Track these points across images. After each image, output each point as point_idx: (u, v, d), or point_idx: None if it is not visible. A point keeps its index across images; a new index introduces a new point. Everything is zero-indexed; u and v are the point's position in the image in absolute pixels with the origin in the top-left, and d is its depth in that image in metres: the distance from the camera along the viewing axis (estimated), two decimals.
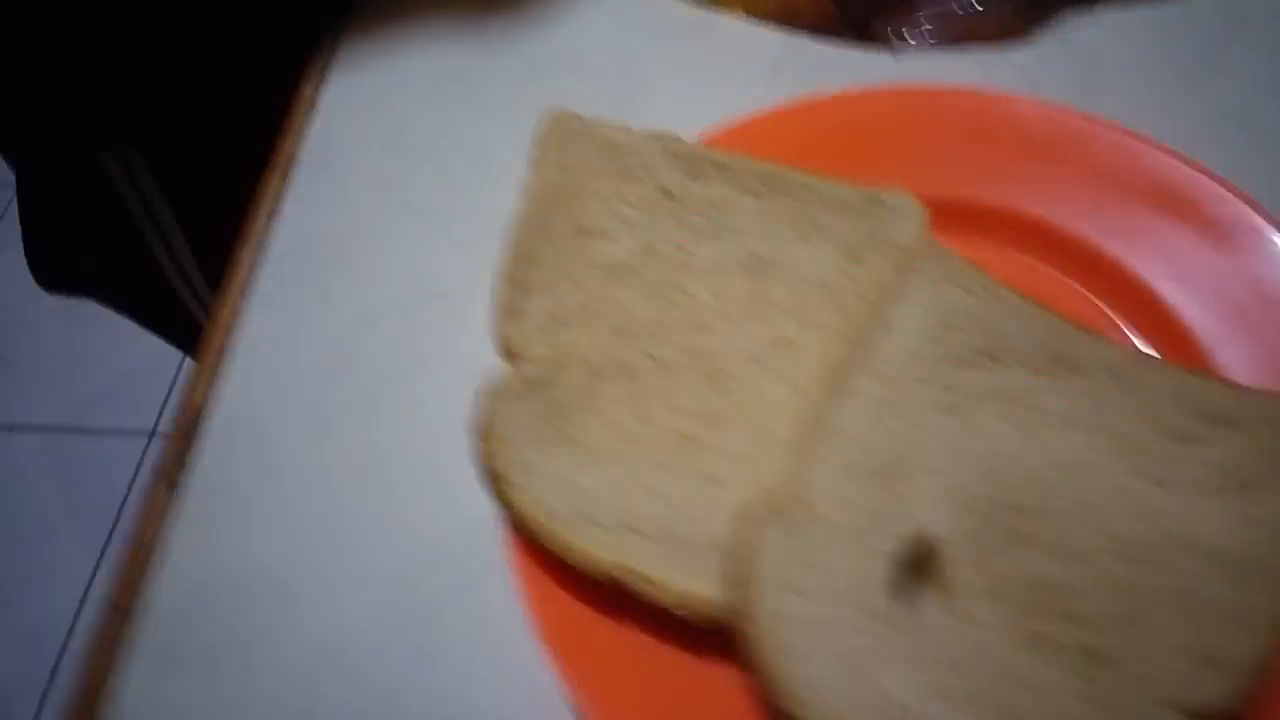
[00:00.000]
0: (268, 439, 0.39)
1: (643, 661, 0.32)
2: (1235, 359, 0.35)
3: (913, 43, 0.46)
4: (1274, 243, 0.36)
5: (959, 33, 0.45)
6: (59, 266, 0.65)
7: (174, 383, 1.40)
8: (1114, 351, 0.34)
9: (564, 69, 0.49)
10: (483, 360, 0.36)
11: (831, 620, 0.30)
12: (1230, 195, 0.37)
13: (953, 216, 0.38)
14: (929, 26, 0.45)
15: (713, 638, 0.32)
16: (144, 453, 1.36)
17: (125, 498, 1.32)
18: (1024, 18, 0.45)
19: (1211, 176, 0.37)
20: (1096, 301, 0.38)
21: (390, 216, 0.45)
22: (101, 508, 1.30)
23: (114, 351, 1.40)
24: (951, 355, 0.34)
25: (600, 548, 0.33)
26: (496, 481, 0.34)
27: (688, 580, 0.32)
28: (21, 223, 0.62)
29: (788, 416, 0.35)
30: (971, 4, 0.45)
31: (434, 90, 0.49)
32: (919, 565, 0.32)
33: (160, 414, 1.38)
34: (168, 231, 0.63)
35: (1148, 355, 0.35)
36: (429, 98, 0.48)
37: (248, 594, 0.36)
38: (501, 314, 0.37)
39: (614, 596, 0.33)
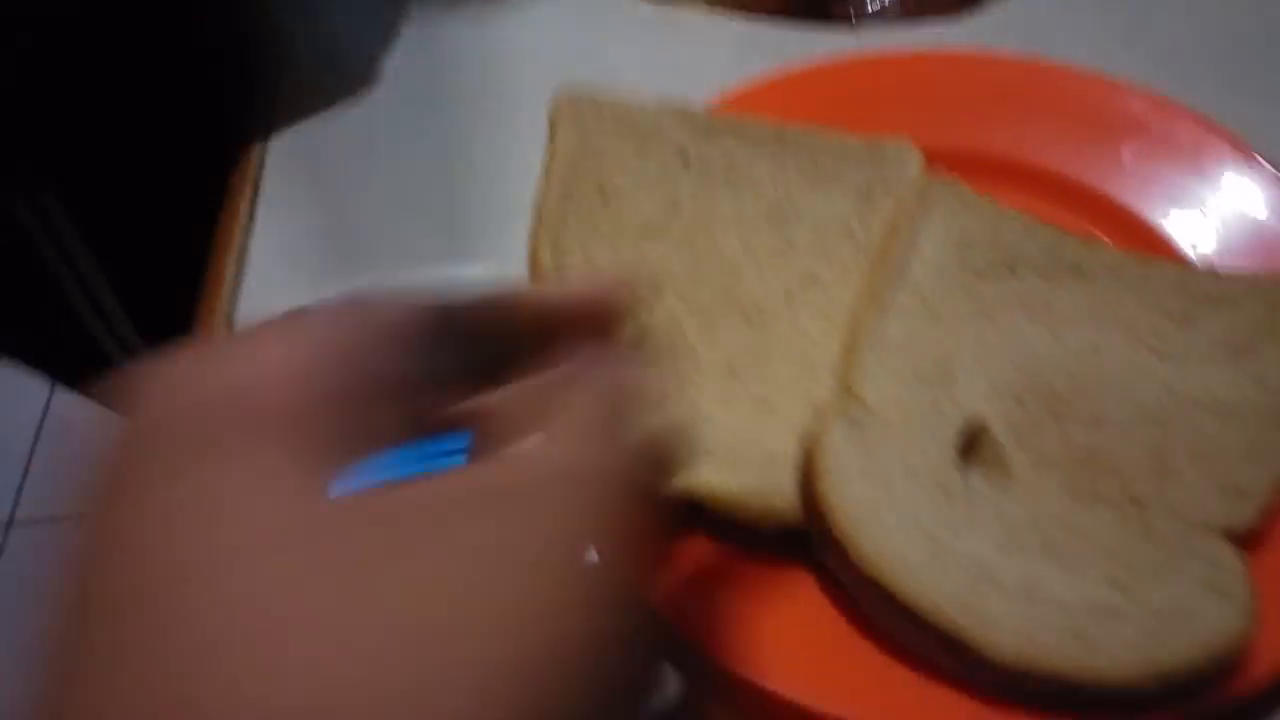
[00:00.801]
0: None
1: (716, 571, 0.35)
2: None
3: (870, 19, 0.48)
4: (1242, 163, 0.40)
5: (914, 7, 0.48)
6: None
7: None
8: (1113, 254, 0.38)
9: (529, 67, 0.49)
10: None
11: (900, 499, 0.34)
12: (1201, 126, 0.41)
13: (947, 163, 0.41)
14: (886, 2, 0.48)
15: (778, 544, 0.35)
16: None
17: None
18: None
19: (1180, 109, 0.41)
20: (1090, 229, 0.41)
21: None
22: None
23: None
24: (973, 269, 0.38)
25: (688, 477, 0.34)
26: None
27: (754, 491, 0.35)
28: None
29: (823, 343, 0.38)
30: None
31: (397, 100, 0.49)
32: (970, 448, 0.35)
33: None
34: (85, 273, 0.60)
35: (1141, 255, 0.39)
36: (386, 110, 0.48)
37: None
38: (538, 277, 0.39)
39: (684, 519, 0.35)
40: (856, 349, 0.37)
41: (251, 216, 0.46)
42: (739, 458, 0.35)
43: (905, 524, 0.33)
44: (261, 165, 0.48)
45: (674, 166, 0.41)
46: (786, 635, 0.33)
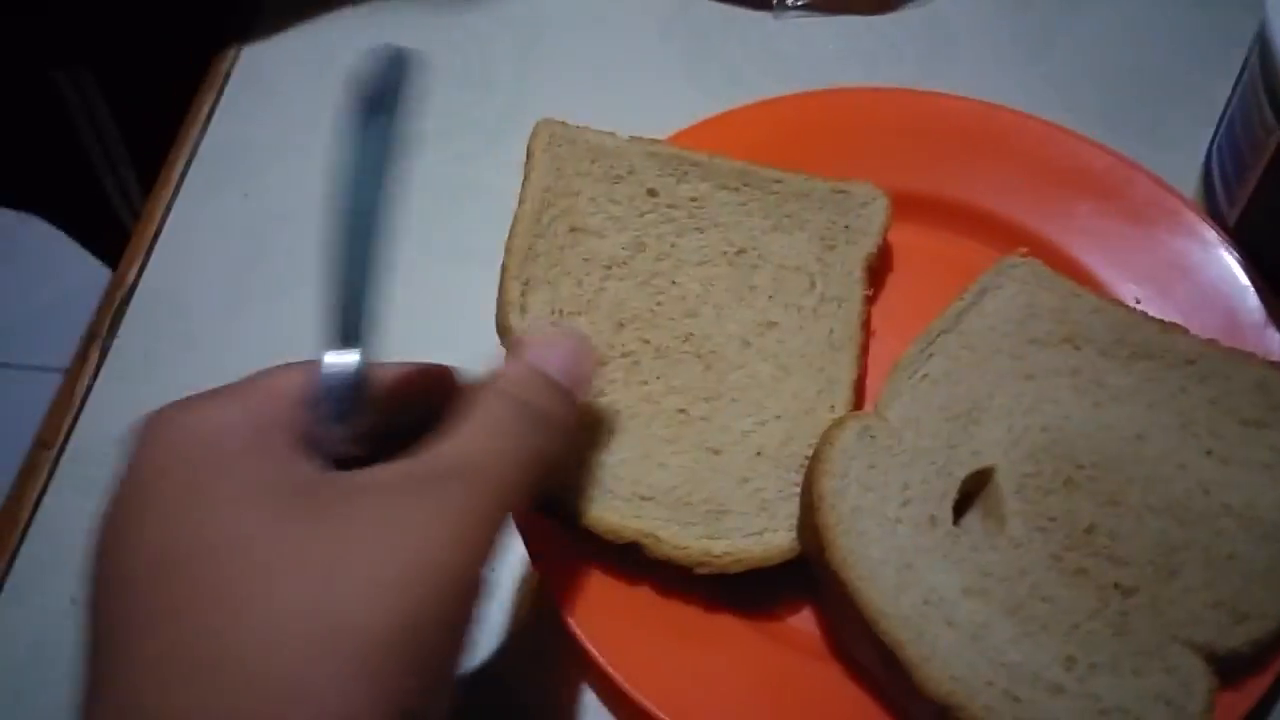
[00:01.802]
0: (188, 313, 0.45)
1: (654, 618, 0.36)
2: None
3: (791, 6, 0.50)
4: (1186, 216, 0.41)
5: (833, 2, 0.50)
6: None
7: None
8: (1193, 343, 0.37)
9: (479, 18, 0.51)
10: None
11: (888, 515, 0.35)
12: (1146, 176, 0.42)
13: (906, 205, 0.42)
14: None
15: (717, 589, 0.36)
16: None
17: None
18: None
19: (1128, 163, 0.42)
20: None
21: (314, 131, 0.47)
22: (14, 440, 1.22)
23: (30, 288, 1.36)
24: (1032, 337, 0.38)
25: (621, 517, 0.36)
26: None
27: (694, 538, 0.36)
28: None
29: (775, 392, 0.39)
30: None
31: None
32: (976, 492, 0.36)
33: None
34: (113, 152, 0.63)
35: (1229, 348, 0.37)
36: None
37: None
38: (509, 309, 0.39)
39: (626, 564, 0.36)
40: (893, 374, 0.37)
41: (209, 117, 0.50)
42: (681, 504, 0.36)
43: (885, 538, 0.34)
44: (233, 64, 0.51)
45: (642, 205, 0.42)
46: (710, 682, 0.35)
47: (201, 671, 0.24)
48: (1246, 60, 0.39)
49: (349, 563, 0.26)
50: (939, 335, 0.38)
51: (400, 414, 0.31)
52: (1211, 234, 0.40)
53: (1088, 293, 0.39)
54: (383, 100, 0.30)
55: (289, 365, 0.31)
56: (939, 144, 0.43)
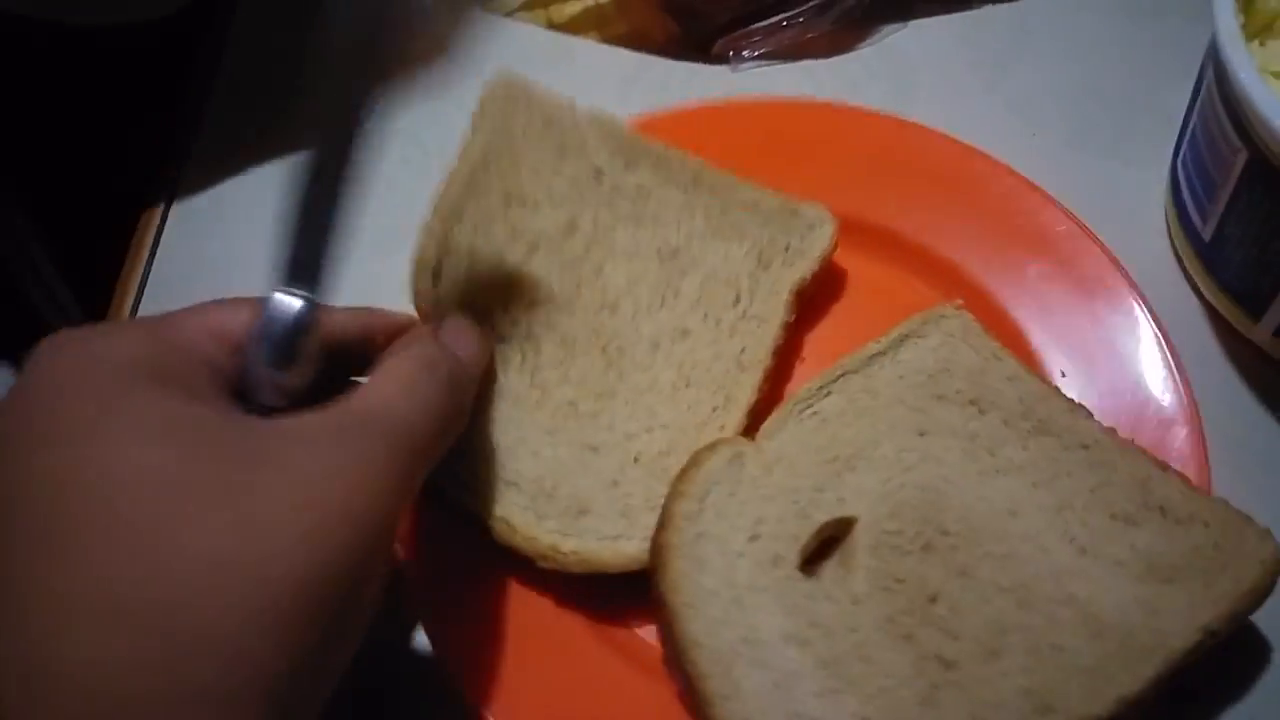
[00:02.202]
0: None
1: (502, 612, 0.36)
2: (1072, 396, 0.38)
3: (750, 58, 0.51)
4: (1128, 302, 0.40)
5: (791, 47, 0.50)
6: None
7: None
8: (1093, 430, 0.36)
9: (433, 95, 0.51)
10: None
11: (731, 547, 0.34)
12: (1101, 252, 0.41)
13: (857, 232, 0.41)
14: (764, 44, 0.50)
15: (565, 588, 0.36)
16: None
17: None
18: (847, 32, 0.50)
19: (1088, 233, 0.41)
20: None
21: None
22: None
23: None
24: (939, 393, 0.37)
25: (481, 499, 0.35)
26: None
27: (549, 532, 0.35)
28: None
29: (671, 402, 0.38)
30: (799, 20, 0.50)
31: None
32: (830, 540, 0.35)
33: None
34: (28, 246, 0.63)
35: (1125, 440, 0.36)
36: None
37: None
38: (420, 270, 0.38)
39: (483, 553, 0.36)
40: (785, 405, 0.37)
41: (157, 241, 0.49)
42: (543, 494, 0.35)
43: (723, 569, 0.34)
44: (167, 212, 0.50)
45: (585, 185, 0.40)
46: (542, 685, 0.35)
47: (101, 619, 0.23)
48: (1201, 74, 0.39)
49: (264, 511, 0.25)
50: (843, 375, 0.38)
51: (341, 363, 0.31)
52: (1149, 324, 0.39)
53: (1009, 357, 0.38)
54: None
55: (233, 301, 0.29)
56: (909, 177, 0.43)
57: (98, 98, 0.60)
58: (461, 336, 0.35)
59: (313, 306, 0.28)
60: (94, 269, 0.52)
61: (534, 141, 0.41)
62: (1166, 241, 0.44)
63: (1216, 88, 0.36)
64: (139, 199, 0.51)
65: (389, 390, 0.29)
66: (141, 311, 0.47)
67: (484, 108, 0.41)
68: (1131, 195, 0.45)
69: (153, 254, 0.49)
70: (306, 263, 0.29)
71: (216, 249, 0.48)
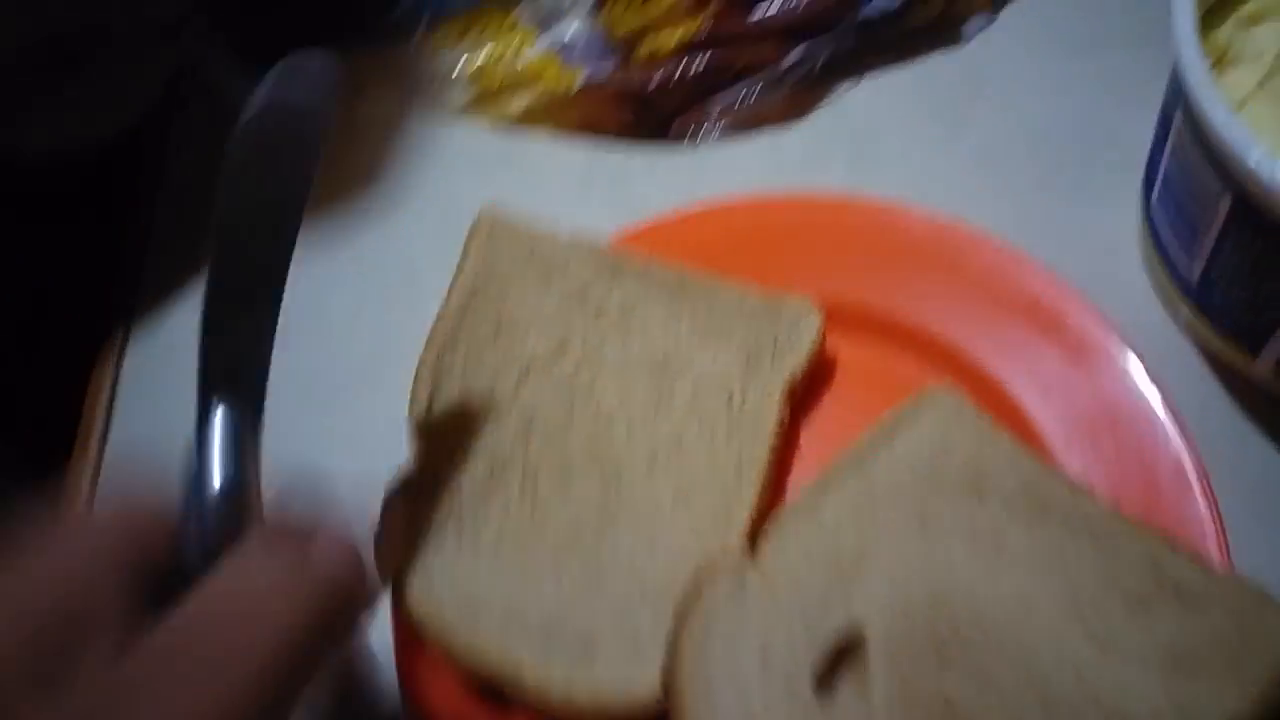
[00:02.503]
0: None
1: None
2: (1076, 466, 0.38)
3: (708, 135, 0.50)
4: (1123, 364, 0.39)
5: (748, 119, 0.50)
6: None
7: None
8: (1096, 508, 0.35)
9: (390, 209, 0.50)
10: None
11: (746, 679, 0.33)
12: (1092, 316, 0.40)
13: (845, 318, 0.41)
14: (721, 119, 0.50)
15: None
16: None
17: None
18: (802, 97, 0.50)
19: (1072, 293, 0.40)
20: None
21: None
22: None
23: None
24: (938, 483, 0.36)
25: (485, 643, 0.34)
26: (385, 570, 0.36)
27: (562, 672, 0.34)
28: None
29: (672, 518, 0.37)
30: (754, 94, 0.50)
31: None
32: (843, 653, 0.34)
33: None
34: None
35: (1129, 518, 0.35)
36: None
37: None
38: (416, 402, 0.38)
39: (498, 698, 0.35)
40: (783, 517, 0.36)
41: (114, 390, 0.47)
42: (553, 638, 0.34)
43: (733, 702, 0.32)
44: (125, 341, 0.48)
45: (572, 304, 0.40)
46: None
47: None
48: (1166, 113, 0.39)
49: None
50: (838, 475, 0.37)
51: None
52: (1146, 381, 0.39)
53: (1005, 437, 0.37)
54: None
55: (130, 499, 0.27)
56: (890, 257, 0.42)
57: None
58: (333, 552, 0.29)
59: (240, 473, 0.26)
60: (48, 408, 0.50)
61: (520, 270, 0.41)
62: (1148, 281, 0.44)
63: (1189, 132, 0.36)
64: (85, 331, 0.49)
65: (224, 611, 0.26)
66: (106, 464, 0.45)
67: (469, 243, 0.42)
68: (1107, 236, 0.45)
69: (112, 395, 0.47)
70: (240, 370, 0.26)
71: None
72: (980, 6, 0.51)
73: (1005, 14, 0.52)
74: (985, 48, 0.51)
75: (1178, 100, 0.37)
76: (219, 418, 0.27)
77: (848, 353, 0.42)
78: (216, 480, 0.27)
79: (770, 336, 0.40)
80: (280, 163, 0.30)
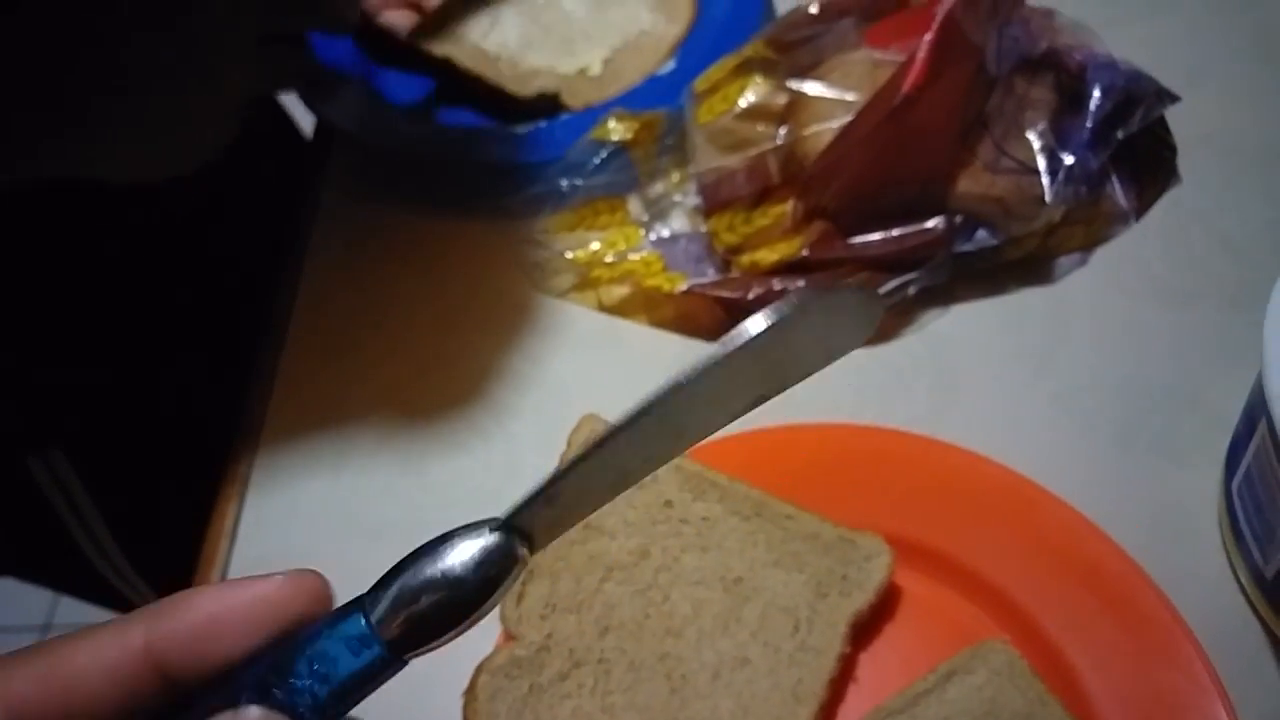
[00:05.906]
0: None
1: None
2: None
3: None
4: (1186, 651, 0.39)
5: None
6: None
7: None
8: None
9: (492, 380, 0.53)
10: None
11: None
12: (1157, 596, 0.41)
13: (913, 555, 0.42)
14: None
15: None
16: None
17: None
18: (892, 318, 0.52)
19: (1141, 574, 0.41)
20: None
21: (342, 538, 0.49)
22: None
23: None
24: None
25: None
26: None
27: None
28: None
29: None
30: None
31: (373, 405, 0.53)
32: None
33: None
34: (89, 520, 0.64)
35: None
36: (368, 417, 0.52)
37: None
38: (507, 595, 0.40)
39: None
40: None
41: (243, 495, 0.50)
42: None
43: None
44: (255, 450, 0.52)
45: (657, 515, 0.43)
46: None
47: None
48: (1252, 414, 0.40)
49: None
50: (892, 715, 0.38)
51: None
52: (1207, 679, 0.39)
53: (1056, 704, 0.38)
54: None
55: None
56: (966, 505, 0.44)
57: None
58: None
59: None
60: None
61: None
62: (1223, 558, 0.44)
63: (1272, 445, 0.37)
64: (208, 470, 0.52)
65: None
66: None
67: (570, 445, 0.45)
68: (1184, 505, 0.45)
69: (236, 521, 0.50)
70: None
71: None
72: (1075, 245, 0.53)
73: (1098, 254, 0.53)
74: (1076, 288, 0.52)
75: (1262, 412, 0.38)
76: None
77: (910, 585, 0.43)
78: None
79: (841, 570, 0.42)
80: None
